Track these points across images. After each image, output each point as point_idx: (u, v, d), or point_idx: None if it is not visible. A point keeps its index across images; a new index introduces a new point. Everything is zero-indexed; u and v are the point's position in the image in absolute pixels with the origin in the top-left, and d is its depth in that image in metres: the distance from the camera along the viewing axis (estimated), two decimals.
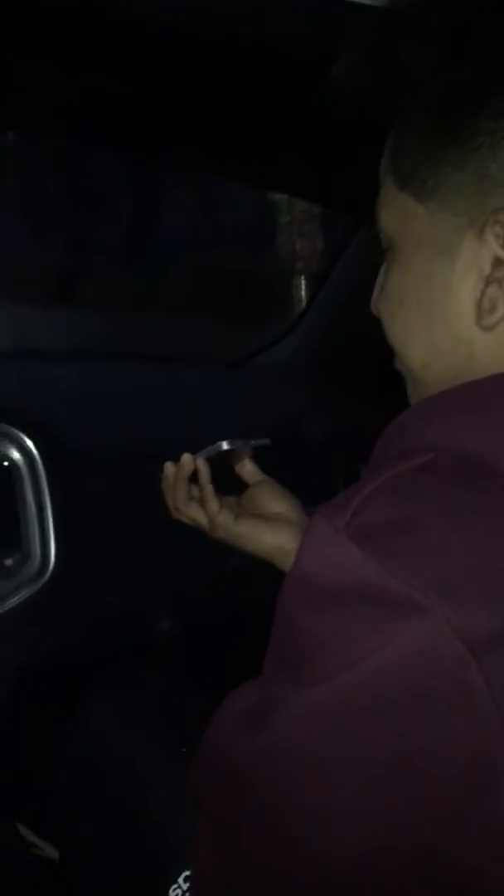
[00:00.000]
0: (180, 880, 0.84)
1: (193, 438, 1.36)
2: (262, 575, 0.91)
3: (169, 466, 0.95)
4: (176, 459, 0.96)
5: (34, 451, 1.20)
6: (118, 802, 0.98)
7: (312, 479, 1.11)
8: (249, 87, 1.00)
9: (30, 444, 1.20)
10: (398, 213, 0.61)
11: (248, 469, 0.99)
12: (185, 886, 0.83)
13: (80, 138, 1.20)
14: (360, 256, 1.51)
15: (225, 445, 0.95)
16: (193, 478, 0.95)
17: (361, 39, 0.57)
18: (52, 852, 1.19)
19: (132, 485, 1.19)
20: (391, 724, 0.48)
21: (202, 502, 0.94)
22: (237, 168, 1.42)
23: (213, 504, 0.93)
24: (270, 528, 0.93)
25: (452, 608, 0.46)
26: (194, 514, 0.94)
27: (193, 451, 0.96)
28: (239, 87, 1.01)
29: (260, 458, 1.01)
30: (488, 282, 0.56)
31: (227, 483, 0.98)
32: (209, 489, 0.93)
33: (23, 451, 1.20)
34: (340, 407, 1.61)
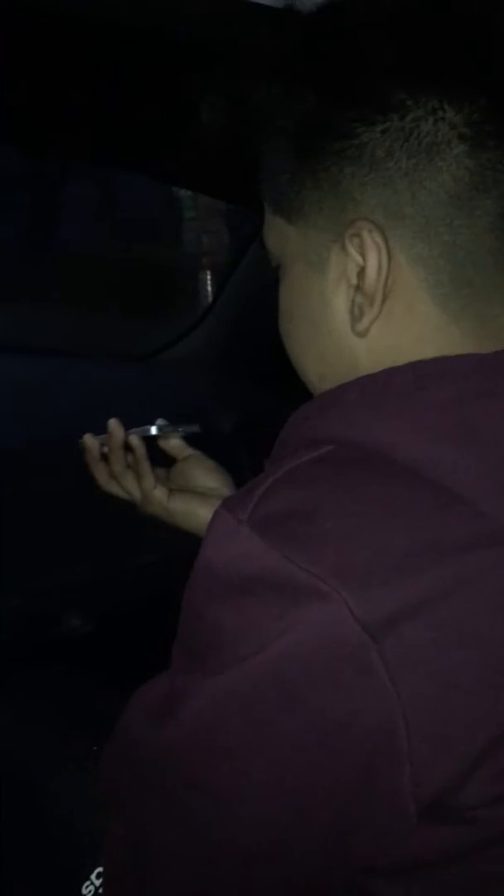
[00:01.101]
0: (93, 877, 0.84)
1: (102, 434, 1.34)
2: (171, 568, 0.91)
3: (89, 439, 0.95)
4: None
5: None
6: (23, 805, 0.97)
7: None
8: (151, 81, 1.00)
9: None
10: (277, 235, 0.64)
11: (175, 444, 0.99)
12: (97, 883, 0.83)
13: None
14: (266, 252, 1.52)
15: (153, 430, 0.95)
16: None
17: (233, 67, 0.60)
18: None
19: (40, 481, 1.18)
20: (295, 708, 0.49)
21: (137, 477, 0.94)
22: (141, 162, 1.42)
23: (149, 479, 0.93)
24: (205, 504, 0.94)
25: (351, 593, 0.48)
26: (129, 485, 0.95)
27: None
28: (141, 80, 1.01)
29: None
30: (356, 290, 0.59)
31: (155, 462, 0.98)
32: (145, 464, 0.93)
33: None
34: (248, 400, 1.62)
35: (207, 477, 0.98)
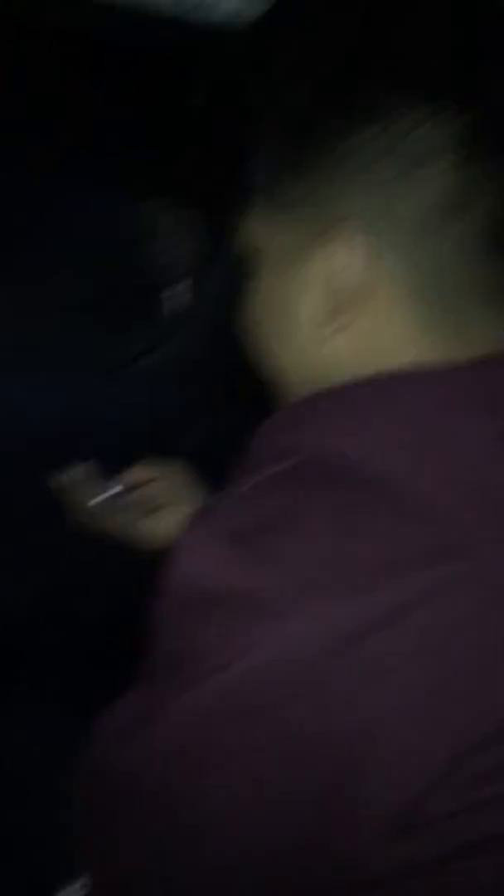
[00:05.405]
0: None
1: (73, 445, 1.33)
2: (136, 582, 0.91)
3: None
4: (54, 464, 0.98)
5: None
6: None
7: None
8: (123, 91, 1.00)
9: None
10: (257, 225, 0.64)
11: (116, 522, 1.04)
12: None
13: None
14: (236, 263, 1.52)
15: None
16: None
17: (217, 61, 0.60)
18: None
19: (6, 491, 1.17)
20: (262, 723, 0.49)
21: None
22: (108, 171, 1.41)
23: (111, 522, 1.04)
24: (166, 520, 1.03)
25: (313, 609, 0.48)
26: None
27: (71, 457, 0.97)
28: (113, 89, 1.00)
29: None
30: (332, 291, 0.59)
31: None
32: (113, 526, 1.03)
33: None
34: (218, 411, 1.62)
35: (177, 492, 1.05)
